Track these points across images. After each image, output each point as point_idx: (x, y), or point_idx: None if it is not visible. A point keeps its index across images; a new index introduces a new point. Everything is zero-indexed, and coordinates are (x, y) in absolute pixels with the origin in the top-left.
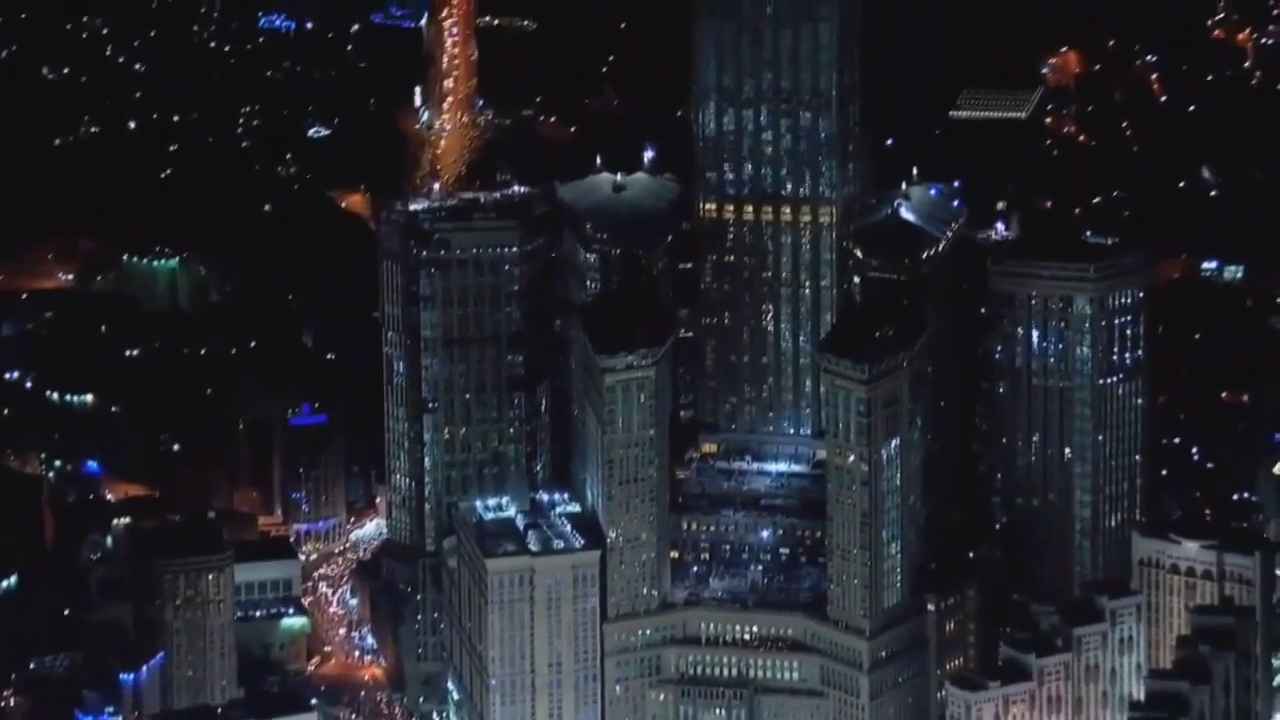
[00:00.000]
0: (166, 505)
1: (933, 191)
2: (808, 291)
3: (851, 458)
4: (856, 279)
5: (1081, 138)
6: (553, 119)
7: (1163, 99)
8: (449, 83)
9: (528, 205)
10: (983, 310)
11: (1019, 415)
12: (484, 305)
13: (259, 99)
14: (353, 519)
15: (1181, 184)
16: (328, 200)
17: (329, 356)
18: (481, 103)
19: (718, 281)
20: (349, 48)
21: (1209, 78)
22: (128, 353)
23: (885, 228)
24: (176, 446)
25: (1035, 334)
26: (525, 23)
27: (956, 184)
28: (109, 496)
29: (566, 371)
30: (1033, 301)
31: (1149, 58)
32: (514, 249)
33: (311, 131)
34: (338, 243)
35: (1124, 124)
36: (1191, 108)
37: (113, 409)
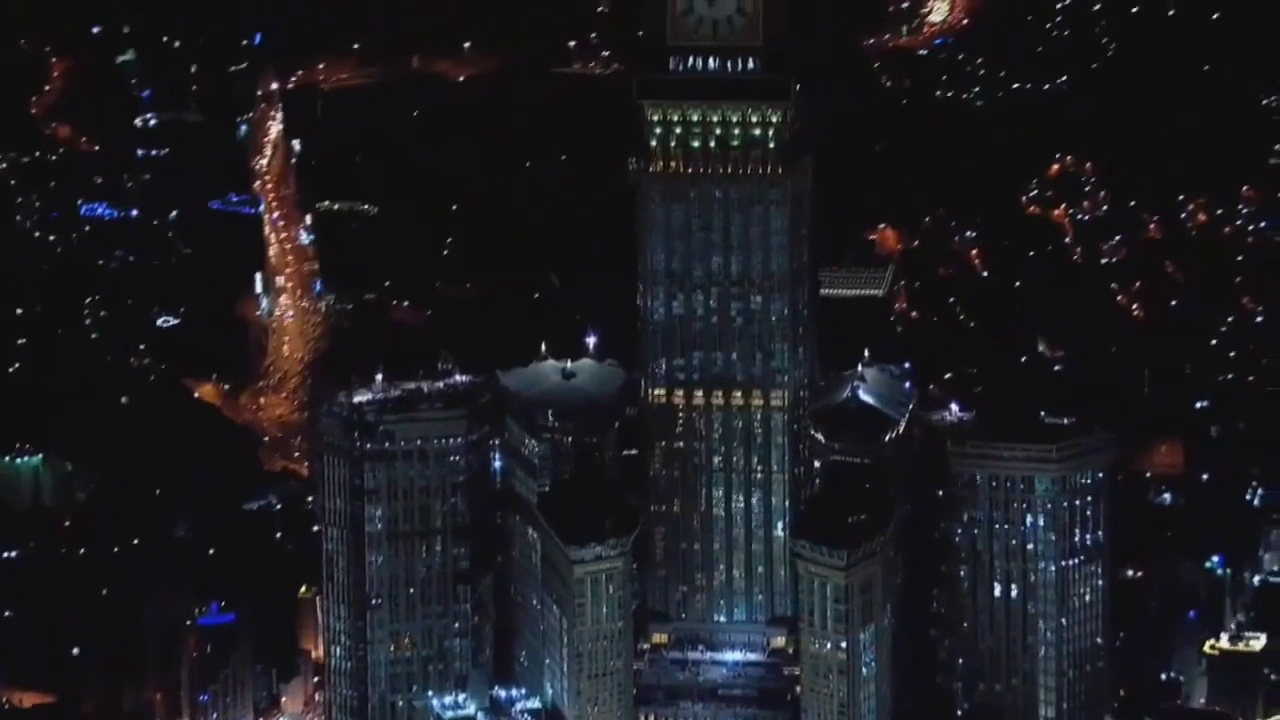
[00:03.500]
0: (72, 713)
1: (884, 373)
2: (760, 476)
3: (828, 646)
4: (817, 463)
5: (914, 314)
6: (405, 304)
7: (984, 274)
8: (285, 271)
9: (473, 394)
10: (940, 492)
11: (980, 598)
12: (429, 497)
13: (98, 289)
14: None
15: (1024, 358)
16: (183, 390)
17: (210, 551)
18: (320, 287)
19: (666, 468)
20: (169, 234)
21: (1030, 253)
22: (4, 555)
23: (846, 410)
24: (76, 651)
25: (996, 516)
26: (366, 207)
27: (907, 365)
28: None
29: (509, 563)
30: (993, 483)
31: (967, 234)
32: (460, 439)
33: (160, 321)
34: (197, 434)
35: (951, 299)
36: (1017, 283)
37: (5, 614)
